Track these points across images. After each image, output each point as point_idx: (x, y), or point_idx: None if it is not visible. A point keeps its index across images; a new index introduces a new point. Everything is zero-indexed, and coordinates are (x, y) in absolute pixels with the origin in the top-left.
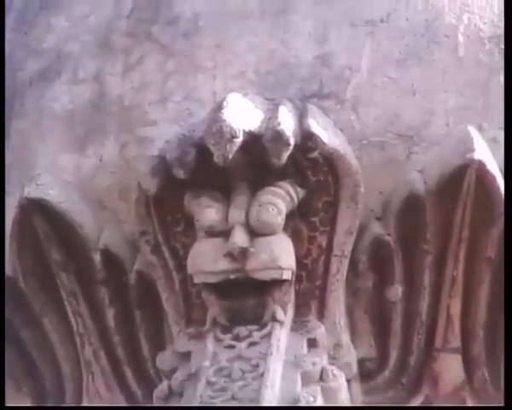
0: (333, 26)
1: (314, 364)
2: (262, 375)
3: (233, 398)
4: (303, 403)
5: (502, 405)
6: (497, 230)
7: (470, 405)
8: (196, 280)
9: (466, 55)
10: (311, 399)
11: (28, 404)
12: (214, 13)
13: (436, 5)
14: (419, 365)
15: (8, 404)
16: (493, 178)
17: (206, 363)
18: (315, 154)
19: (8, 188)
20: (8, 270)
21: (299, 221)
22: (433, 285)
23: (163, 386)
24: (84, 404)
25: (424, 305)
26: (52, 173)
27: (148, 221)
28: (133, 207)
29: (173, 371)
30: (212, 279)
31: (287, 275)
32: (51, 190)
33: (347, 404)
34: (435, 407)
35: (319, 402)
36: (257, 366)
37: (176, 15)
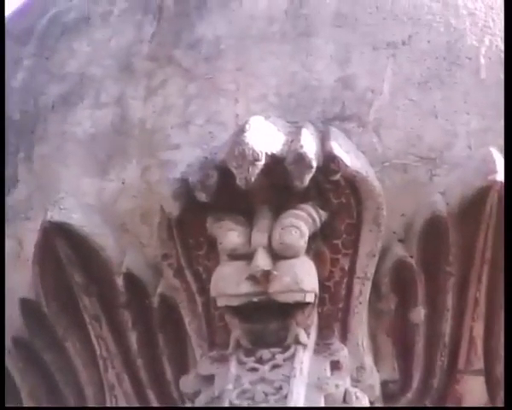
0: (354, 48)
1: (337, 386)
2: (285, 397)
3: None
4: None
5: (502, 405)
6: None
7: None
8: (219, 303)
9: (487, 77)
10: None
11: None
12: (236, 36)
13: (458, 27)
14: (442, 387)
15: None
16: None
17: (230, 386)
18: (337, 176)
19: (31, 213)
20: (30, 294)
21: (321, 244)
22: (455, 307)
23: None
24: None
25: (447, 327)
26: (75, 197)
27: (171, 245)
28: (155, 230)
29: (196, 394)
30: (235, 302)
31: (310, 298)
32: (74, 214)
33: None
34: (436, 408)
35: None
36: (280, 388)
37: (198, 39)
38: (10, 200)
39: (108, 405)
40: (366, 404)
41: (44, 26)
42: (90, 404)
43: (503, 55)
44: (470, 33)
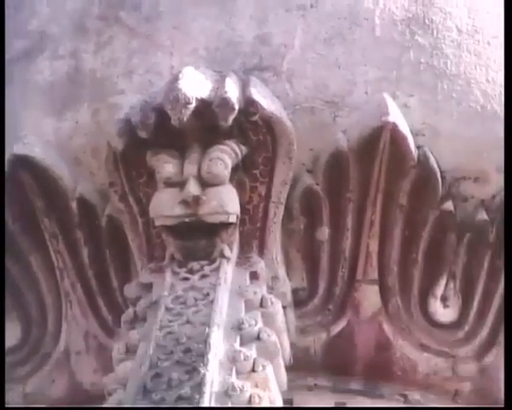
0: (270, 10)
1: (255, 293)
2: (212, 302)
3: (187, 322)
4: (246, 326)
5: (501, 405)
6: (409, 181)
7: (389, 334)
8: (157, 223)
9: (382, 35)
10: (253, 322)
11: (18, 330)
12: (172, 0)
13: None
14: (343, 294)
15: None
16: (405, 138)
17: (165, 293)
18: (256, 117)
19: None
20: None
21: (242, 174)
22: (354, 227)
23: (129, 312)
24: (64, 329)
25: (347, 244)
26: (36, 135)
27: (116, 175)
28: (103, 163)
29: (138, 299)
30: (170, 222)
31: (232, 219)
32: (36, 148)
33: (283, 327)
34: (436, 408)
35: (259, 325)
36: (207, 294)
37: (140, 2)
38: None
39: (64, 310)
40: (280, 309)
41: None
42: (50, 310)
43: (395, 16)
44: None
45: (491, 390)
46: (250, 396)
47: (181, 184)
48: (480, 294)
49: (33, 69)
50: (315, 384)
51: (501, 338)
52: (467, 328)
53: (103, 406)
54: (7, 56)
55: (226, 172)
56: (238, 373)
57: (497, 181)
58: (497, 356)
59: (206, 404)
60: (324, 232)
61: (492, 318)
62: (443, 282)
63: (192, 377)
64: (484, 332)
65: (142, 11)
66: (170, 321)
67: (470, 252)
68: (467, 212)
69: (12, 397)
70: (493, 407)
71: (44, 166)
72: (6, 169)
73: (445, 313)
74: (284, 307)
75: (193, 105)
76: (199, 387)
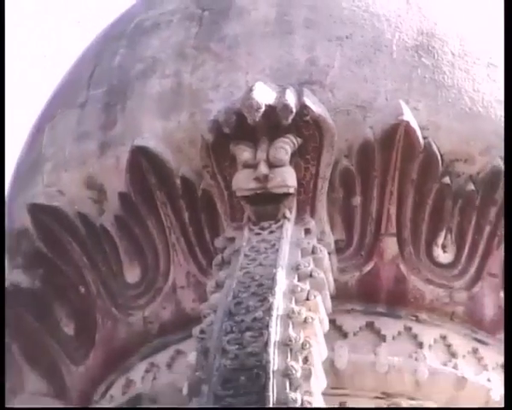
0: (317, 41)
1: (308, 243)
2: (277, 250)
3: (260, 264)
4: (302, 267)
5: (502, 406)
6: (417, 162)
7: (404, 272)
8: (237, 194)
9: (397, 58)
10: (307, 264)
11: (138, 271)
12: (247, 34)
13: (379, 27)
14: (371, 244)
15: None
16: (414, 131)
17: (244, 243)
18: (307, 117)
19: (124, 140)
20: (125, 190)
21: (298, 158)
22: (378, 196)
23: (218, 258)
24: (171, 270)
25: (373, 208)
26: (150, 133)
27: (208, 160)
28: (199, 151)
29: (224, 248)
30: (247, 193)
31: (292, 190)
32: (150, 142)
33: (328, 268)
34: (435, 409)
35: (311, 267)
36: (274, 245)
37: (223, 35)
38: (113, 131)
39: (171, 257)
40: (326, 255)
41: (132, 29)
42: (161, 257)
43: (406, 44)
44: (387, 31)
45: (478, 312)
46: (305, 318)
47: (254, 166)
48: (469, 242)
49: (148, 85)
50: (352, 309)
51: (485, 274)
52: (460, 267)
53: (104, 406)
54: (130, 76)
55: (287, 157)
56: (296, 301)
57: (481, 162)
58: (481, 287)
59: (273, 324)
60: (357, 200)
61: (478, 259)
62: (443, 234)
63: (263, 304)
64: (472, 270)
65: (225, 42)
66: (247, 264)
67: (462, 213)
68: (459, 184)
69: (135, 319)
70: (493, 408)
71: (156, 153)
72: (129, 156)
73: (444, 256)
74: (329, 254)
75: (262, 109)
76: (268, 311)
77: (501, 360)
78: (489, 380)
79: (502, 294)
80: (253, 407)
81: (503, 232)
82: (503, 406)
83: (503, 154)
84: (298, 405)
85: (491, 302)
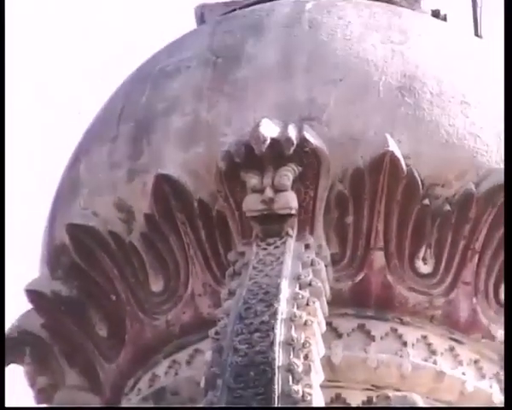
0: (314, 84)
1: (308, 257)
2: (281, 263)
3: (266, 275)
4: (302, 277)
5: (502, 405)
6: (401, 186)
7: (390, 281)
8: (247, 214)
9: (384, 96)
10: (307, 275)
11: (161, 282)
12: (255, 77)
13: (369, 71)
14: (362, 257)
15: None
16: (398, 160)
17: (252, 257)
18: (307, 149)
19: (147, 167)
20: (148, 211)
21: (299, 184)
22: (368, 215)
23: (230, 270)
24: (190, 281)
25: (364, 225)
26: (172, 162)
27: (221, 185)
28: (214, 177)
29: (236, 261)
30: (255, 214)
31: (294, 211)
32: (171, 169)
33: (325, 278)
34: (435, 408)
35: (311, 277)
36: (278, 258)
37: (235, 79)
38: (139, 161)
39: (190, 268)
40: (323, 267)
41: (156, 73)
42: (181, 269)
43: (391, 85)
44: (374, 75)
45: (454, 315)
46: (305, 321)
47: (261, 191)
48: (446, 256)
49: (170, 121)
50: (345, 313)
51: (459, 283)
52: (438, 277)
53: (104, 406)
54: (151, 113)
55: (289, 183)
56: (298, 307)
57: (456, 186)
58: (457, 294)
59: (278, 326)
60: (350, 219)
61: (454, 270)
62: (423, 249)
63: (269, 309)
64: (449, 279)
65: (236, 84)
66: (255, 275)
67: (440, 230)
68: (437, 205)
69: (159, 323)
70: (493, 407)
71: (177, 180)
72: (153, 183)
73: (425, 268)
74: (326, 266)
75: (268, 142)
76: (274, 315)
77: (474, 356)
78: (464, 374)
79: (475, 299)
80: (260, 407)
81: (476, 246)
82: (477, 396)
83: (475, 179)
84: (299, 396)
85: (465, 307)
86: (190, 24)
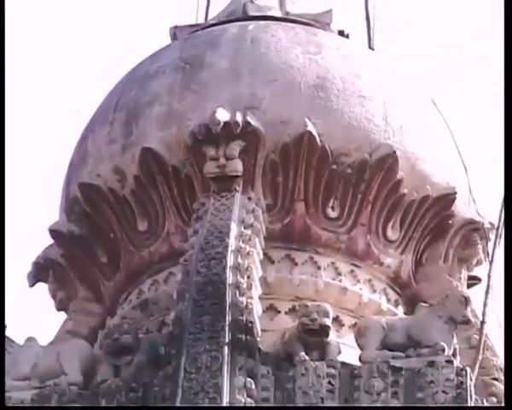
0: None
1: (250, 206)
2: (231, 211)
3: (221, 219)
4: (246, 221)
5: (502, 405)
6: (316, 155)
7: (308, 222)
8: (207, 176)
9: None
10: (249, 218)
11: (145, 226)
12: (213, 78)
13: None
14: (288, 206)
15: None
16: (314, 137)
17: (210, 207)
18: (249, 129)
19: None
20: (136, 173)
21: (244, 154)
22: (293, 178)
23: (194, 215)
24: (166, 225)
25: (290, 184)
26: (154, 140)
27: (188, 155)
28: (183, 150)
29: (198, 210)
30: (212, 175)
31: (240, 173)
32: (154, 145)
33: (262, 221)
34: (434, 408)
35: (252, 220)
36: (229, 207)
37: (199, 79)
38: (130, 139)
39: (166, 215)
40: (260, 214)
41: (142, 75)
42: (160, 216)
43: (309, 84)
44: (297, 76)
45: (353, 247)
46: (248, 251)
47: (217, 159)
48: (348, 205)
49: (151, 110)
50: (276, 246)
51: (358, 224)
52: (342, 220)
53: (103, 406)
54: (141, 103)
55: (236, 153)
56: (243, 241)
57: (355, 155)
58: (356, 232)
59: (228, 256)
60: (280, 179)
61: (354, 215)
62: (332, 200)
63: (222, 243)
64: (350, 221)
65: (200, 83)
66: (212, 219)
67: (343, 187)
68: (342, 169)
69: (144, 253)
70: (493, 407)
71: (157, 152)
72: (140, 154)
73: (333, 213)
74: (263, 213)
75: (222, 124)
76: (226, 247)
77: (368, 277)
78: (361, 289)
79: (368, 236)
80: (259, 407)
81: (370, 198)
82: (370, 305)
83: (369, 151)
84: (244, 306)
85: (362, 241)
86: (165, 39)
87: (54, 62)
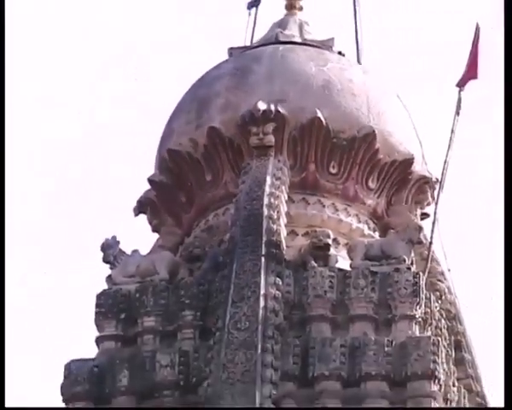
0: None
1: (279, 166)
2: (266, 167)
3: (260, 173)
4: (276, 174)
5: (502, 405)
6: (322, 132)
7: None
8: (252, 146)
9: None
10: (279, 173)
11: (210, 181)
12: (257, 81)
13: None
14: (304, 165)
15: None
16: (321, 120)
17: (253, 166)
18: (279, 114)
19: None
20: (206, 143)
21: (275, 131)
22: (307, 147)
23: (243, 171)
24: (224, 180)
25: (312, 154)
26: (217, 122)
27: (240, 132)
28: (236, 128)
29: (245, 167)
30: (255, 145)
31: (272, 144)
32: (218, 126)
33: (287, 175)
34: (433, 408)
35: (280, 174)
36: (265, 166)
37: (247, 82)
38: (200, 121)
39: (224, 176)
40: (286, 171)
41: (207, 78)
42: (220, 173)
43: (319, 85)
44: (311, 80)
45: (347, 192)
46: (278, 195)
47: (258, 134)
48: (346, 167)
49: (214, 103)
50: (295, 192)
51: (340, 180)
52: (340, 175)
53: (102, 406)
54: (209, 98)
55: (270, 130)
56: (275, 188)
57: (349, 132)
58: (349, 184)
59: (265, 198)
60: (298, 149)
61: (347, 172)
62: (332, 162)
63: (260, 189)
64: (344, 176)
65: (248, 85)
66: (254, 173)
67: (341, 154)
68: (340, 143)
69: (210, 196)
70: (493, 407)
71: (218, 128)
72: (207, 131)
73: (334, 171)
74: (287, 170)
75: (261, 111)
76: (263, 192)
77: (356, 212)
78: (351, 221)
79: (357, 186)
80: (257, 407)
81: (357, 161)
82: (357, 231)
83: (358, 129)
84: (274, 230)
85: (352, 189)
86: (223, 56)
87: (53, 57)
